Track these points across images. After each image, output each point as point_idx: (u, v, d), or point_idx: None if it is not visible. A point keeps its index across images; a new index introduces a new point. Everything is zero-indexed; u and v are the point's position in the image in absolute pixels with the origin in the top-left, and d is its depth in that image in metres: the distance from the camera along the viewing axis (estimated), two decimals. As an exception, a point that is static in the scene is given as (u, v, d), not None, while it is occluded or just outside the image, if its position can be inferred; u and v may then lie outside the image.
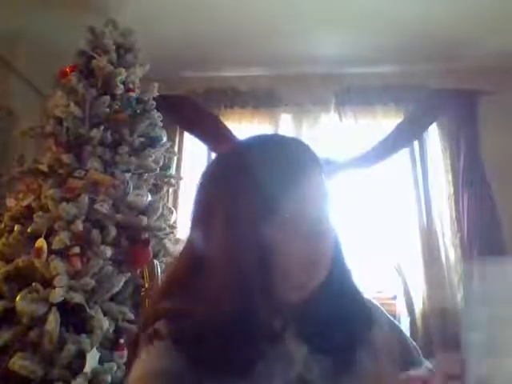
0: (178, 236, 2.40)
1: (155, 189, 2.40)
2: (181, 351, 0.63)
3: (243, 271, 0.65)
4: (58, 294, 1.78)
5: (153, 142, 2.37)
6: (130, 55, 2.42)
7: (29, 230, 1.99)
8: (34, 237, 1.96)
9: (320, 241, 0.67)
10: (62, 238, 1.91)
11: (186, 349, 0.63)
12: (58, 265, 1.85)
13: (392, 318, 0.84)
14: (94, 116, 2.21)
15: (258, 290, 0.65)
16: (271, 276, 0.66)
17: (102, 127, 2.20)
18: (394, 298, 3.00)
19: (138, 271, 2.08)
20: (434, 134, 3.21)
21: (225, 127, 3.15)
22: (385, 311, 0.84)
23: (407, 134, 3.15)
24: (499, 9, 2.54)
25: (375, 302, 0.84)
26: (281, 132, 3.24)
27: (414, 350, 0.82)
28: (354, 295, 0.75)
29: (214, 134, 3.11)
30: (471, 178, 3.03)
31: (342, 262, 0.74)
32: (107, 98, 2.24)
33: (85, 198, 2.01)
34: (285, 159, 0.69)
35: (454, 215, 3.05)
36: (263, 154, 0.70)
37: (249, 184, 0.67)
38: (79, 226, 1.95)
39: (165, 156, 2.49)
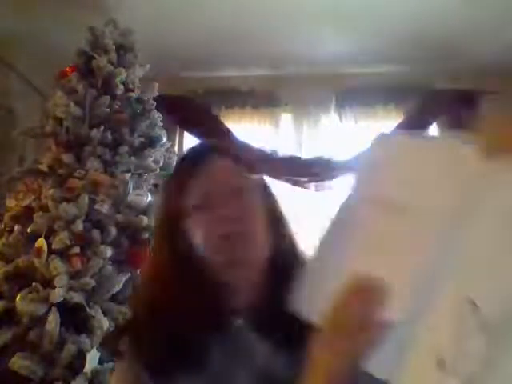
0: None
1: (155, 189, 2.40)
2: (142, 367, 0.67)
3: (178, 279, 0.71)
4: (57, 294, 1.78)
5: (153, 142, 2.37)
6: (130, 55, 2.41)
7: (29, 230, 1.99)
8: (34, 237, 1.96)
9: (239, 239, 0.69)
10: (62, 238, 1.91)
11: (146, 364, 0.67)
12: (58, 265, 1.85)
13: None
14: (94, 116, 2.21)
15: (197, 298, 0.69)
16: (206, 278, 0.70)
17: (102, 127, 2.19)
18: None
19: (138, 271, 2.08)
20: (433, 134, 3.21)
21: (225, 127, 3.15)
22: None
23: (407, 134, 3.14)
24: (500, 9, 2.54)
25: None
26: (281, 132, 3.24)
27: None
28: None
29: (214, 134, 3.11)
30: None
31: (284, 251, 0.76)
32: (107, 98, 2.24)
33: (85, 198, 2.01)
34: (190, 160, 0.76)
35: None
36: (178, 163, 0.80)
37: (167, 189, 0.77)
38: (79, 225, 1.95)
39: (165, 156, 2.48)
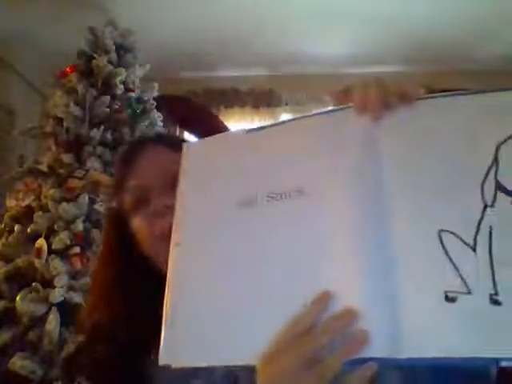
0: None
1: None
2: None
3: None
4: (58, 294, 1.78)
5: (153, 142, 2.37)
6: (130, 55, 2.42)
7: (29, 230, 1.99)
8: (34, 237, 1.97)
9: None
10: (62, 238, 1.91)
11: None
12: (58, 265, 1.85)
13: None
14: (94, 116, 2.21)
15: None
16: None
17: (102, 127, 2.20)
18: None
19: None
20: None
21: (225, 127, 3.15)
22: None
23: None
24: (500, 11, 2.54)
25: None
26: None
27: None
28: None
29: (213, 134, 3.10)
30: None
31: None
32: (107, 97, 2.24)
33: (85, 198, 2.01)
34: (123, 157, 0.73)
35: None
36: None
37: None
38: (79, 225, 1.95)
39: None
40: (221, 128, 3.15)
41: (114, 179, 0.74)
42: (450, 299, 0.44)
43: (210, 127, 3.15)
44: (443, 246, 0.45)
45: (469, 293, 0.43)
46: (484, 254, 0.44)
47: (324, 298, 0.44)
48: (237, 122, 3.25)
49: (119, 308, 0.66)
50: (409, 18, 2.62)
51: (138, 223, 0.66)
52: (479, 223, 0.45)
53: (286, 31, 2.79)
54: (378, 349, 0.43)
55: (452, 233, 0.46)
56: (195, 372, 0.61)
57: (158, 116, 2.44)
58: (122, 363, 0.63)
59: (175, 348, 0.50)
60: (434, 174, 0.48)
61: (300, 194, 0.51)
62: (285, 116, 3.30)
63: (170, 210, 0.60)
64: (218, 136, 0.62)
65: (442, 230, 0.46)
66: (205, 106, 3.23)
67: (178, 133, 3.24)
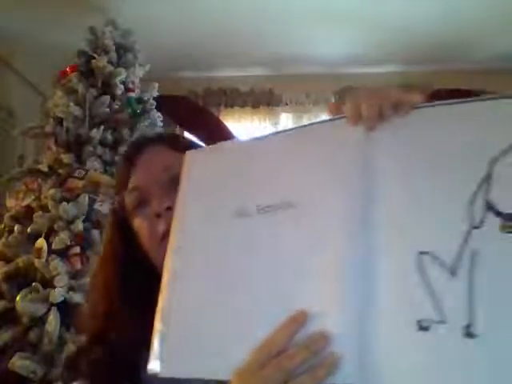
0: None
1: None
2: None
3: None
4: (58, 294, 1.78)
5: (153, 142, 2.37)
6: (130, 55, 2.42)
7: (29, 230, 1.99)
8: (34, 237, 1.97)
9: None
10: (62, 238, 1.91)
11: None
12: (58, 265, 1.85)
13: None
14: (94, 116, 2.22)
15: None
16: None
17: (102, 127, 2.20)
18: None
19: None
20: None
21: (225, 127, 3.16)
22: None
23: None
24: (501, 10, 2.54)
25: None
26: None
27: None
28: None
29: (213, 133, 3.11)
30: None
31: None
32: (107, 97, 2.24)
33: (85, 198, 2.01)
34: (125, 158, 0.73)
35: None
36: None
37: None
38: (79, 225, 1.95)
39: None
40: (220, 128, 3.15)
41: (116, 179, 0.74)
42: (422, 328, 0.41)
43: (209, 127, 3.15)
44: (422, 270, 0.42)
45: (443, 322, 0.40)
46: (464, 280, 0.41)
47: (299, 319, 0.44)
48: (237, 122, 3.25)
49: (120, 308, 0.66)
50: (409, 18, 2.62)
51: (139, 224, 0.66)
52: (463, 246, 0.42)
53: (286, 31, 2.79)
54: (346, 376, 0.41)
55: (433, 255, 0.43)
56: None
57: (157, 116, 2.44)
58: (121, 365, 0.63)
59: (166, 356, 0.50)
60: (421, 191, 0.45)
61: (289, 207, 0.50)
62: (285, 116, 3.30)
63: (171, 211, 0.60)
64: (219, 144, 0.60)
65: (423, 252, 0.43)
66: (205, 106, 3.23)
67: (177, 133, 3.25)
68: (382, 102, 0.48)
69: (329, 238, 0.46)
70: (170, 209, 0.61)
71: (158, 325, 0.52)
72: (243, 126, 3.24)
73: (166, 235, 0.60)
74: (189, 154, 0.61)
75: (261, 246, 0.50)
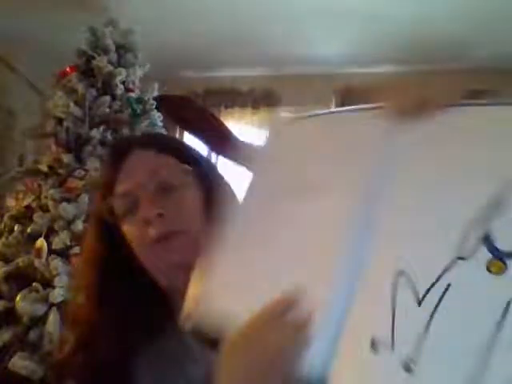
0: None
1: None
2: None
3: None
4: (57, 294, 1.78)
5: (153, 142, 2.37)
6: (130, 55, 2.41)
7: (29, 230, 1.99)
8: (34, 237, 1.97)
9: (174, 240, 0.63)
10: (62, 238, 1.91)
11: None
12: (58, 265, 1.85)
13: None
14: (94, 116, 2.22)
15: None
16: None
17: (101, 127, 2.20)
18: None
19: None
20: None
21: (225, 127, 3.15)
22: None
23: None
24: (499, 10, 2.54)
25: None
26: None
27: None
28: None
29: (213, 134, 3.11)
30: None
31: None
32: (107, 97, 2.24)
33: (85, 198, 2.01)
34: (110, 160, 0.72)
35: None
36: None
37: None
38: (79, 225, 1.95)
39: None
40: (221, 128, 3.15)
41: (100, 182, 0.72)
42: (373, 348, 0.39)
43: (209, 127, 3.15)
44: (395, 289, 0.40)
45: (391, 348, 0.38)
46: (426, 313, 0.38)
47: (287, 300, 0.44)
48: (237, 122, 3.25)
49: (105, 311, 0.65)
50: (409, 18, 2.62)
51: (127, 229, 0.65)
52: (440, 276, 0.38)
53: (286, 31, 2.79)
54: (315, 353, 0.41)
55: (408, 277, 0.40)
56: (192, 356, 0.62)
57: (158, 116, 2.44)
58: (107, 371, 0.63)
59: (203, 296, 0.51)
60: (425, 202, 0.42)
61: (312, 193, 0.50)
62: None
63: (160, 218, 0.61)
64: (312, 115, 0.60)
65: (401, 272, 0.40)
66: (205, 106, 3.23)
67: (178, 133, 3.25)
68: (424, 96, 0.47)
69: (327, 230, 0.46)
70: (160, 215, 0.61)
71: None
72: (243, 126, 3.24)
73: (159, 239, 0.61)
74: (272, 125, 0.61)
75: (283, 232, 0.50)
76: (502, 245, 0.36)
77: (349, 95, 3.22)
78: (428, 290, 0.38)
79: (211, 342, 0.48)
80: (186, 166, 0.67)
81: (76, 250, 1.92)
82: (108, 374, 0.62)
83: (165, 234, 0.62)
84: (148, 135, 0.74)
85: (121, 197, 0.66)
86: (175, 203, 0.64)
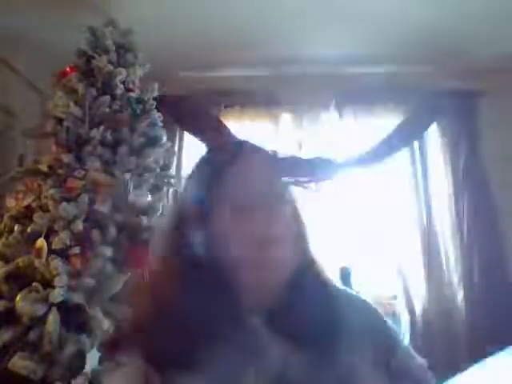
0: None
1: (155, 189, 2.40)
2: (149, 364, 0.65)
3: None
4: (57, 294, 1.78)
5: (153, 142, 2.37)
6: (130, 55, 2.42)
7: (29, 230, 1.99)
8: (34, 237, 1.96)
9: (273, 245, 0.67)
10: (62, 238, 1.91)
11: (154, 361, 0.65)
12: (57, 265, 1.85)
13: (381, 316, 0.82)
14: (94, 116, 2.21)
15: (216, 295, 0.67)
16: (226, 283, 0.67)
17: (101, 127, 2.20)
18: (394, 297, 3.00)
19: (139, 270, 2.08)
20: (434, 134, 3.21)
21: (225, 127, 3.15)
22: (374, 310, 0.82)
23: (407, 134, 3.15)
24: (499, 10, 2.54)
25: (357, 296, 0.83)
26: (281, 132, 3.24)
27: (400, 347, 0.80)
28: (325, 290, 0.75)
29: (213, 133, 3.11)
30: (471, 178, 3.03)
31: (311, 259, 0.74)
32: (107, 97, 2.24)
33: (85, 198, 2.01)
34: (228, 152, 0.74)
35: (453, 215, 3.05)
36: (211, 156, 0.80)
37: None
38: (79, 225, 1.95)
39: (165, 156, 2.48)
40: (221, 128, 3.15)
41: (198, 180, 0.74)
42: None
43: (209, 127, 3.15)
44: None
45: None
46: None
47: None
48: (237, 122, 3.25)
49: (187, 298, 0.67)
50: (409, 18, 2.62)
51: (234, 248, 0.68)
52: None
53: (286, 31, 2.79)
54: None
55: None
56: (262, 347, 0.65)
57: (158, 116, 2.44)
58: (179, 351, 0.65)
59: None
60: None
61: None
62: (285, 116, 3.29)
63: (274, 242, 0.66)
64: None
65: None
66: (205, 106, 3.23)
67: (178, 133, 3.24)
68: None
69: None
70: (274, 240, 0.66)
71: None
72: (243, 126, 3.23)
73: (263, 241, 0.66)
74: None
75: None
76: None
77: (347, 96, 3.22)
78: None
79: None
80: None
81: (76, 249, 1.92)
82: (178, 356, 0.64)
83: (269, 239, 0.68)
84: (255, 146, 0.76)
85: (232, 206, 0.70)
86: (282, 214, 0.70)
